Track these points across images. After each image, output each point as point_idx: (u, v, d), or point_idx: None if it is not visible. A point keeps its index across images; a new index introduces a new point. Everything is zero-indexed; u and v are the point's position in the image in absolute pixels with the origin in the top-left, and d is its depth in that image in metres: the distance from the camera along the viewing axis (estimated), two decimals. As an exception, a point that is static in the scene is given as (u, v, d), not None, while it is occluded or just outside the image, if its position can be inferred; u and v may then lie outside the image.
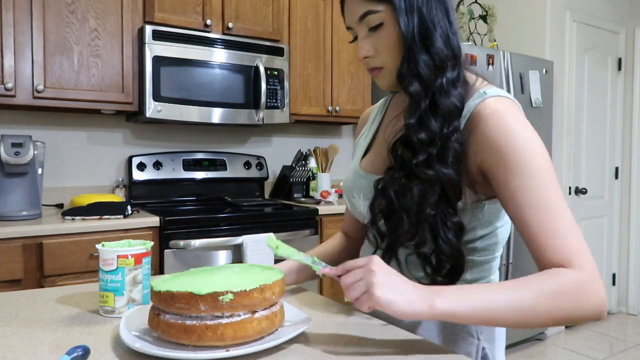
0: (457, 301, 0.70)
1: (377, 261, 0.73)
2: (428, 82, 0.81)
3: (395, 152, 0.86)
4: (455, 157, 0.79)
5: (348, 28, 0.90)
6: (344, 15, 0.90)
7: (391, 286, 0.70)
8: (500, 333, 0.95)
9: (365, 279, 0.70)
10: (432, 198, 0.80)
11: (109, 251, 0.90)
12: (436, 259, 0.82)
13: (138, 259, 0.92)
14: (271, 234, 0.92)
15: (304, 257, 0.81)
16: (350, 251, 1.12)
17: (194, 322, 0.71)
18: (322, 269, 0.79)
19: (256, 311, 0.74)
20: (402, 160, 0.83)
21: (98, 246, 0.93)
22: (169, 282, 0.77)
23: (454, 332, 0.91)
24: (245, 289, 0.72)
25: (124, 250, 0.91)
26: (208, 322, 0.71)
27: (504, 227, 0.91)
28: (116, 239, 2.07)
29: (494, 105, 0.81)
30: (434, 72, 0.81)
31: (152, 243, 0.97)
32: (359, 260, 0.74)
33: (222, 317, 0.71)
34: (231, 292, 0.71)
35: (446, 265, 0.81)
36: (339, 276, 0.75)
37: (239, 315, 0.72)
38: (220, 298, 0.70)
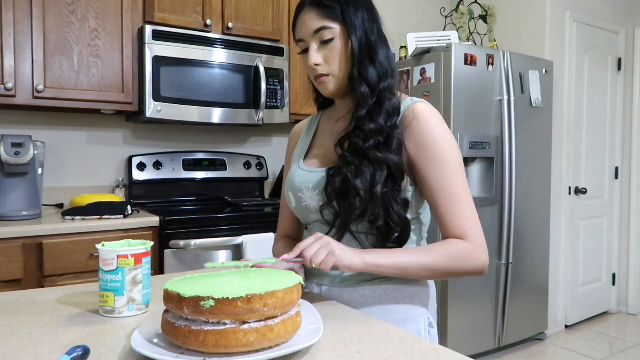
0: (382, 258, 0.95)
1: (323, 235, 0.93)
2: (374, 86, 1.02)
3: (344, 142, 1.03)
4: (397, 145, 0.99)
5: (299, 41, 1.06)
6: (295, 30, 1.07)
7: (341, 249, 0.92)
8: (433, 302, 1.13)
9: (325, 246, 0.91)
10: (382, 178, 0.97)
11: (109, 251, 0.90)
12: (386, 229, 0.99)
13: (138, 259, 0.92)
14: (208, 263, 0.91)
15: (250, 262, 0.91)
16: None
17: (183, 323, 0.70)
18: (279, 258, 0.92)
19: (246, 322, 0.69)
20: (355, 147, 1.00)
21: (98, 246, 0.93)
22: (180, 282, 0.76)
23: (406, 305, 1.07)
24: (228, 297, 0.67)
25: (124, 250, 0.91)
26: (193, 327, 0.69)
27: (425, 213, 1.11)
28: (116, 239, 2.09)
29: (423, 107, 1.03)
30: (378, 79, 1.02)
31: (152, 243, 0.97)
32: (308, 239, 0.93)
33: (207, 323, 0.69)
34: (212, 298, 0.67)
35: (395, 233, 0.99)
36: (298, 256, 0.91)
37: (224, 324, 0.68)
38: (202, 303, 0.67)
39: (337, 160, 1.05)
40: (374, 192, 0.96)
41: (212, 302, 0.67)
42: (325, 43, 1.02)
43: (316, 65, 1.03)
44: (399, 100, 1.05)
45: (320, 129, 1.20)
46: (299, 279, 0.77)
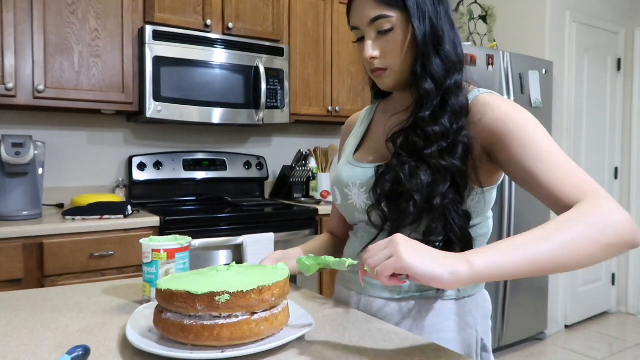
0: (496, 254, 0.69)
1: (399, 235, 0.72)
2: (440, 82, 0.89)
3: (397, 138, 0.92)
4: (463, 151, 0.86)
5: (353, 28, 0.95)
6: (350, 15, 0.95)
7: (419, 249, 0.69)
8: (488, 326, 0.99)
9: (389, 247, 0.70)
10: (443, 187, 0.85)
11: (146, 245, 0.98)
12: (446, 243, 0.86)
13: (171, 253, 0.98)
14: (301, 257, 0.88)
15: (331, 262, 0.83)
16: (336, 248, 1.17)
17: (192, 321, 0.72)
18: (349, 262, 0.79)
19: (255, 312, 0.73)
20: (413, 148, 0.89)
21: (141, 240, 1.01)
22: (173, 281, 0.77)
23: (456, 324, 0.93)
24: (243, 289, 0.71)
25: (157, 245, 0.98)
26: (205, 322, 0.71)
27: (491, 218, 1.00)
28: (116, 239, 2.10)
29: (489, 97, 0.90)
30: (444, 74, 0.89)
31: (189, 239, 1.03)
32: (381, 241, 0.74)
33: (219, 317, 0.72)
34: (227, 292, 0.70)
35: (457, 248, 0.85)
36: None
37: (236, 316, 0.72)
38: (217, 298, 0.70)
39: (389, 157, 0.94)
40: (432, 204, 0.85)
41: (227, 296, 0.70)
42: (382, 33, 0.91)
43: (372, 58, 0.93)
44: (467, 95, 0.91)
45: (375, 121, 1.09)
46: (285, 274, 0.80)
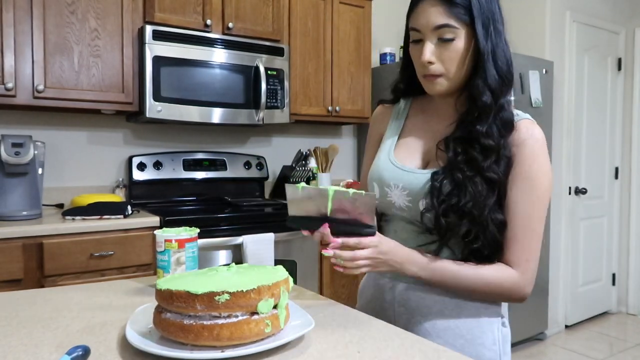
0: (432, 274, 0.96)
1: (385, 245, 0.93)
2: (497, 97, 0.96)
3: (449, 144, 0.98)
4: (506, 164, 0.95)
5: (413, 29, 0.99)
6: (412, 16, 0.98)
7: (390, 263, 0.94)
8: (506, 305, 1.08)
9: (374, 261, 0.92)
10: (491, 199, 0.94)
11: (159, 235, 1.09)
12: (479, 249, 0.96)
13: (181, 243, 1.07)
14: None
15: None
16: None
17: (192, 321, 0.72)
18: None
19: (255, 312, 0.73)
20: (470, 159, 0.95)
21: (155, 231, 1.11)
22: (172, 281, 0.77)
23: (480, 303, 1.03)
24: (242, 289, 0.71)
25: (169, 235, 1.08)
26: (205, 322, 0.71)
27: None
28: (116, 239, 2.10)
29: (538, 132, 0.98)
30: (500, 89, 0.96)
31: (197, 230, 1.13)
32: (372, 240, 0.91)
33: (219, 317, 0.72)
34: (227, 292, 0.70)
35: (485, 253, 0.96)
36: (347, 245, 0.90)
37: (236, 316, 0.72)
38: (217, 298, 0.70)
39: (433, 162, 1.01)
40: (482, 214, 0.93)
41: (227, 296, 0.70)
42: (443, 41, 0.95)
43: (429, 63, 0.96)
44: (512, 111, 0.98)
45: (410, 120, 1.12)
46: (285, 274, 0.82)
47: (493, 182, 0.94)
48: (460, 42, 0.95)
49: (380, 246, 0.91)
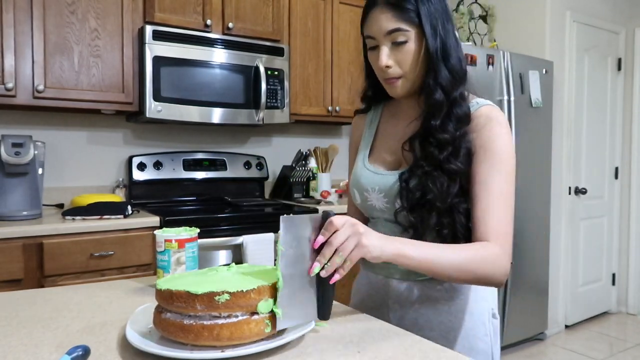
0: (413, 250, 0.89)
1: (355, 221, 0.85)
2: (448, 93, 1.00)
3: (413, 145, 1.02)
4: (465, 154, 0.98)
5: (368, 37, 1.03)
6: (365, 24, 1.03)
7: (369, 238, 0.84)
8: (495, 297, 1.12)
9: (354, 235, 0.82)
10: (454, 189, 0.97)
11: (160, 235, 1.09)
12: (452, 238, 0.99)
13: (181, 243, 1.07)
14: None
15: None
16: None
17: (192, 321, 0.72)
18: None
19: (255, 312, 0.73)
20: (429, 155, 0.99)
21: (155, 231, 1.11)
22: (172, 281, 0.77)
23: (471, 298, 1.06)
24: (242, 289, 0.71)
25: (169, 235, 1.08)
26: (205, 322, 0.71)
27: None
28: (116, 239, 2.10)
29: (492, 111, 1.02)
30: (452, 85, 1.00)
31: (197, 230, 1.13)
32: (339, 219, 0.82)
33: (219, 317, 0.72)
34: (227, 292, 0.71)
35: (462, 241, 0.99)
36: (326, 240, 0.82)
37: (236, 316, 0.72)
38: (217, 298, 0.70)
39: (403, 163, 1.06)
40: (448, 205, 0.97)
41: (226, 296, 0.70)
42: (397, 45, 1.00)
43: (387, 67, 1.01)
44: (469, 104, 1.03)
45: (382, 125, 1.17)
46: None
47: (453, 173, 0.97)
48: (412, 44, 0.99)
49: (350, 220, 0.84)
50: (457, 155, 0.98)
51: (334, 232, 0.81)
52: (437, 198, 0.96)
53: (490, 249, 0.93)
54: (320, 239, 0.81)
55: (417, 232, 0.99)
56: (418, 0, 0.98)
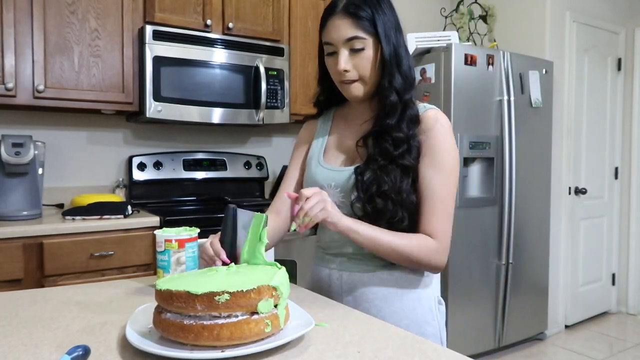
0: (362, 227, 1.04)
1: (322, 191, 1.02)
2: (401, 95, 1.09)
3: (367, 141, 1.11)
4: (417, 152, 1.09)
5: (327, 43, 1.11)
6: (324, 31, 1.11)
7: (333, 207, 1.03)
8: (438, 284, 1.23)
9: (321, 201, 0.99)
10: (408, 184, 1.07)
11: (160, 235, 1.09)
12: (407, 230, 1.08)
13: (181, 243, 1.08)
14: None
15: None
16: (280, 228, 1.25)
17: (192, 321, 0.72)
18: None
19: (255, 312, 0.73)
20: (384, 151, 1.08)
21: (155, 231, 1.12)
22: (172, 281, 0.77)
23: (418, 288, 1.16)
24: (242, 289, 0.71)
25: (169, 235, 1.08)
26: (205, 322, 0.71)
27: None
28: (116, 239, 2.10)
29: (441, 117, 1.12)
30: (404, 89, 1.10)
31: (198, 230, 1.14)
32: (309, 189, 1.00)
33: (219, 317, 0.72)
34: (227, 292, 0.71)
35: (407, 229, 1.08)
36: (295, 203, 1.01)
37: (236, 316, 0.72)
38: (216, 298, 0.70)
39: (356, 159, 1.14)
40: (402, 197, 1.06)
41: (226, 296, 0.70)
42: (355, 51, 1.08)
43: (345, 71, 1.09)
44: (417, 107, 1.12)
45: (335, 128, 1.25)
46: (285, 273, 0.84)
47: (406, 168, 1.07)
48: (369, 51, 1.08)
49: (319, 190, 1.02)
50: (410, 152, 1.07)
51: (306, 199, 0.98)
52: (391, 190, 1.05)
53: (428, 241, 1.07)
54: (296, 207, 0.99)
55: (372, 222, 1.07)
56: (373, 11, 1.07)
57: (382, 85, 1.10)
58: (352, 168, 1.12)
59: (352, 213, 1.10)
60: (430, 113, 1.12)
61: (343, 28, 1.07)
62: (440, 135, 1.10)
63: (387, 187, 1.05)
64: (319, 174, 1.18)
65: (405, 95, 1.10)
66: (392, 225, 1.06)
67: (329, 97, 1.23)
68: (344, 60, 1.08)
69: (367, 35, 1.07)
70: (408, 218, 1.07)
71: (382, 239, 1.04)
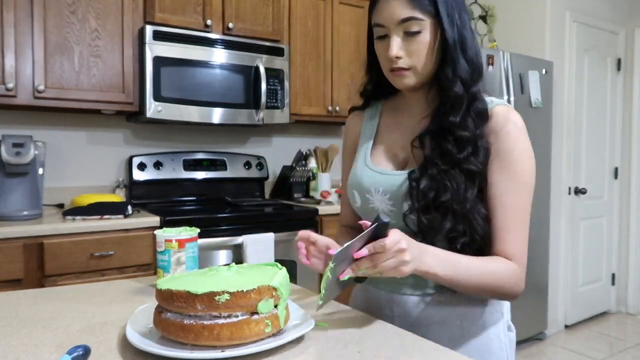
0: (442, 269, 0.86)
1: (404, 240, 0.80)
2: (468, 86, 0.93)
3: (424, 140, 0.95)
4: (484, 155, 0.92)
5: (377, 25, 0.95)
6: (375, 12, 0.95)
7: (412, 265, 0.81)
8: (509, 310, 1.06)
9: (397, 257, 0.79)
10: (472, 192, 0.91)
11: (160, 235, 1.09)
12: (469, 244, 0.91)
13: (181, 243, 1.08)
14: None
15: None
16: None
17: (192, 321, 0.72)
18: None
19: (255, 312, 0.73)
20: (445, 153, 0.92)
21: (155, 231, 1.11)
22: (172, 281, 0.77)
23: (486, 311, 1.00)
24: (242, 289, 0.71)
25: (169, 235, 1.08)
26: (205, 322, 0.71)
27: None
28: (116, 239, 2.10)
29: (516, 117, 0.95)
30: (471, 78, 0.93)
31: (198, 230, 1.13)
32: (388, 240, 0.78)
33: (219, 317, 0.72)
34: (227, 292, 0.71)
35: (472, 250, 0.91)
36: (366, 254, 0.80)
37: (236, 316, 0.72)
38: (217, 298, 0.70)
39: (409, 160, 0.99)
40: (466, 209, 0.90)
41: (227, 296, 0.70)
42: (410, 34, 0.92)
43: (397, 57, 0.93)
44: (485, 101, 0.96)
45: (383, 122, 1.10)
46: (285, 273, 0.82)
47: (472, 173, 0.91)
48: (426, 34, 0.92)
49: (400, 245, 0.79)
50: (477, 154, 0.91)
51: (381, 251, 0.78)
52: (454, 199, 0.89)
53: (513, 267, 0.91)
54: (364, 252, 0.79)
55: (426, 238, 0.91)
56: None
57: (445, 74, 0.93)
58: (405, 172, 0.96)
59: (404, 226, 0.94)
60: (500, 109, 0.94)
61: (397, 7, 0.91)
62: (512, 136, 0.93)
63: (449, 197, 0.89)
64: (365, 177, 1.02)
65: (473, 86, 0.93)
66: (451, 242, 0.90)
67: (378, 87, 1.07)
68: (397, 45, 0.92)
69: (426, 16, 0.91)
70: (473, 236, 0.91)
71: (464, 276, 0.87)
